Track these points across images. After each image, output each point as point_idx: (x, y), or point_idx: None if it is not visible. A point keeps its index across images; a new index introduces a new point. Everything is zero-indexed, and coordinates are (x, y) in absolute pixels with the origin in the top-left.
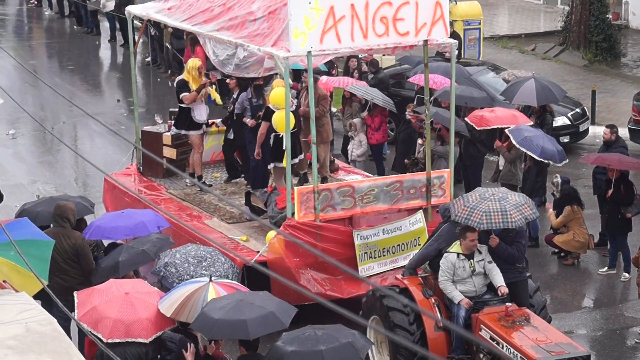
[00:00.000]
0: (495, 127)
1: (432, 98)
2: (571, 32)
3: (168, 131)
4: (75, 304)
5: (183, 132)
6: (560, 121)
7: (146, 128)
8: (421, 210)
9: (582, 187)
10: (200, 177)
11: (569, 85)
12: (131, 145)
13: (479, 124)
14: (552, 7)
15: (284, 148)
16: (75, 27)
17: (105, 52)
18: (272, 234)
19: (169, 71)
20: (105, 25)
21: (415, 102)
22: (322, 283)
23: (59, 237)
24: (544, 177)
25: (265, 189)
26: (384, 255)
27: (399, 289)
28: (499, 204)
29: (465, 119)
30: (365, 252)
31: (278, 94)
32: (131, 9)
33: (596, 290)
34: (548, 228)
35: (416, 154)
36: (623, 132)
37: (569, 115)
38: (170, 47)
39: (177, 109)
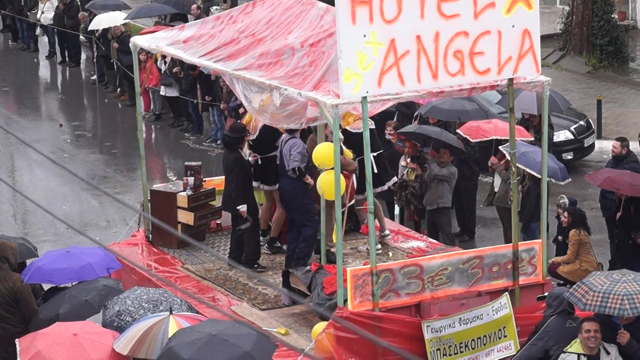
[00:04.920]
0: (493, 138)
1: (416, 113)
2: (572, 34)
3: (184, 190)
4: (18, 352)
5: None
6: (562, 136)
7: (156, 186)
8: (507, 293)
9: (589, 210)
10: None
11: (572, 94)
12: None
13: (474, 136)
14: (550, 7)
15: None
16: (10, 42)
17: (44, 71)
18: (319, 327)
19: (118, 90)
20: (44, 40)
21: (395, 119)
22: None
23: None
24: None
25: (308, 268)
26: (461, 352)
27: None
28: (636, 285)
29: (458, 130)
30: (438, 349)
31: (323, 151)
32: (137, 41)
33: None
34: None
35: (399, 176)
36: (634, 146)
37: (572, 128)
38: (118, 63)
39: (195, 163)
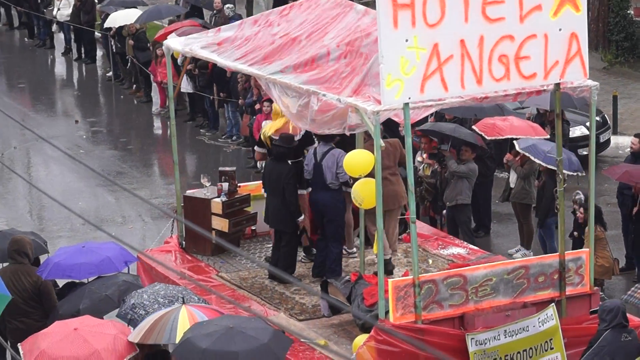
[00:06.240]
0: (508, 137)
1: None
2: (588, 30)
3: (218, 197)
4: (21, 356)
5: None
6: (577, 131)
7: (189, 192)
8: (553, 304)
9: (605, 205)
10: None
11: None
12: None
13: (490, 133)
14: None
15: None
16: (26, 39)
17: (60, 68)
18: (360, 339)
19: (134, 87)
20: (59, 37)
21: None
22: None
23: (17, 275)
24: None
25: (347, 278)
26: None
27: None
28: None
29: (474, 127)
30: None
31: (358, 160)
32: (170, 44)
33: None
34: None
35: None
36: None
37: (587, 124)
38: (134, 60)
39: (229, 168)
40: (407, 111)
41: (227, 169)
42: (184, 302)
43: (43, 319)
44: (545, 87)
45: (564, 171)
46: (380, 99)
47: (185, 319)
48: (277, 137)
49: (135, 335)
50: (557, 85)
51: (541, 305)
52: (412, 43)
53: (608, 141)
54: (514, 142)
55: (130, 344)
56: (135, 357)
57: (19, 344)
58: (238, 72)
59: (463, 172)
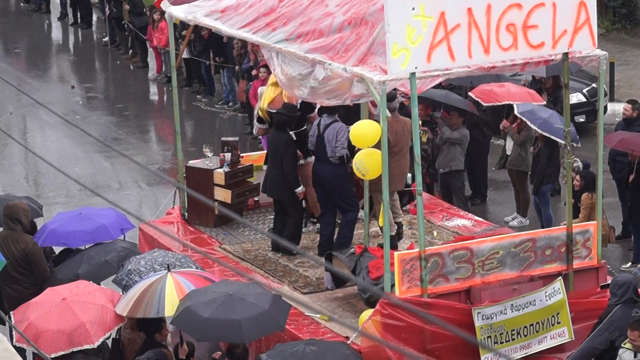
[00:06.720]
0: (505, 103)
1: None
2: None
3: (220, 167)
4: (13, 324)
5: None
6: (574, 98)
7: (192, 163)
8: (560, 278)
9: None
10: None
11: None
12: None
13: (486, 100)
14: None
15: None
16: (22, 4)
17: (56, 32)
18: (366, 314)
19: (130, 52)
20: (55, 1)
21: None
22: None
23: (7, 242)
24: (557, 161)
25: (352, 250)
26: (513, 339)
27: None
28: None
29: (470, 93)
30: (489, 336)
31: (366, 130)
32: (173, 11)
33: None
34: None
35: None
36: None
37: (584, 91)
38: (130, 25)
39: (232, 138)
40: (413, 81)
41: (230, 138)
42: (168, 270)
43: (34, 287)
44: (553, 57)
45: (560, 141)
46: (387, 68)
47: (172, 290)
48: (273, 110)
49: (123, 307)
50: (565, 54)
51: (548, 278)
52: (419, 11)
53: (605, 108)
54: (514, 105)
55: (118, 314)
56: (130, 325)
57: (11, 312)
58: (235, 38)
59: (456, 138)
